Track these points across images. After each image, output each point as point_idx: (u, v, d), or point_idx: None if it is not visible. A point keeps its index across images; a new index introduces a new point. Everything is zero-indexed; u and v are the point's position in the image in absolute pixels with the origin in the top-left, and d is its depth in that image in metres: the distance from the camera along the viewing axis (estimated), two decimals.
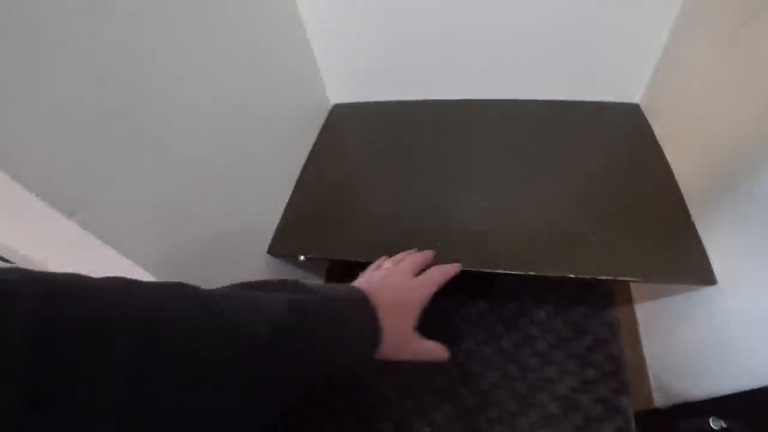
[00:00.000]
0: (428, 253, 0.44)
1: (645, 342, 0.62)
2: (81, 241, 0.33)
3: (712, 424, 0.43)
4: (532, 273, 0.48)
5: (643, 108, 0.66)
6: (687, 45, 0.54)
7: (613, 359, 0.68)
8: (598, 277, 0.47)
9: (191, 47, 0.42)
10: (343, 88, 0.76)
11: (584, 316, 0.73)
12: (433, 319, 0.80)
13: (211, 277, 0.41)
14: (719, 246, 0.46)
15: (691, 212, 0.51)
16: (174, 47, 0.40)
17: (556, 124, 0.67)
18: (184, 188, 0.42)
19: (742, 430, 0.41)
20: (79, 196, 0.32)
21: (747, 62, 0.43)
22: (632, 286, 0.68)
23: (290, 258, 0.59)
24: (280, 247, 0.57)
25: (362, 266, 0.46)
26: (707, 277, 0.45)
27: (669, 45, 0.57)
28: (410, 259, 0.40)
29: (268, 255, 0.57)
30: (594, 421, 0.63)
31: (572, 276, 0.48)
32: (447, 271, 0.39)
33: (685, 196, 0.52)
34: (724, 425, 0.43)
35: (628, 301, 0.68)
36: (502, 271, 0.49)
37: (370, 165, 0.68)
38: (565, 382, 0.67)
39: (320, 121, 0.75)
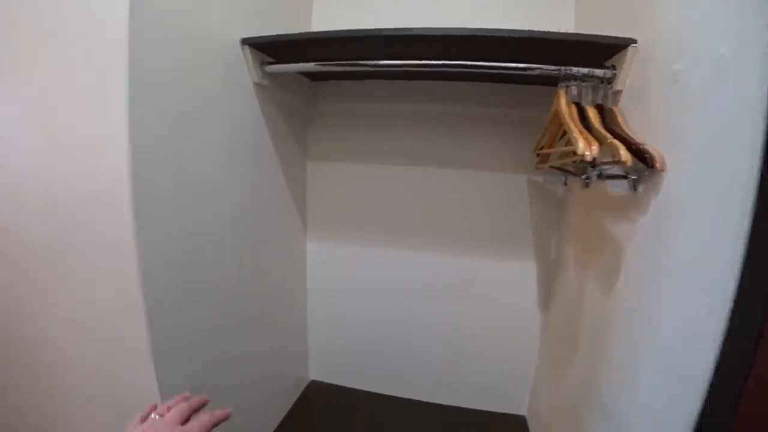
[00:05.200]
0: (196, 401, 0.40)
1: None
2: None
3: None
4: None
5: (528, 418, 0.93)
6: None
7: None
8: None
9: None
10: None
11: None
12: None
13: None
14: None
15: None
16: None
17: (457, 428, 0.91)
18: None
19: None
20: None
21: None
22: None
23: None
24: None
25: None
26: None
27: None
28: (176, 408, 0.38)
29: None
30: None
31: None
32: (218, 416, 0.38)
33: None
34: None
35: None
36: None
37: None
38: None
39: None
